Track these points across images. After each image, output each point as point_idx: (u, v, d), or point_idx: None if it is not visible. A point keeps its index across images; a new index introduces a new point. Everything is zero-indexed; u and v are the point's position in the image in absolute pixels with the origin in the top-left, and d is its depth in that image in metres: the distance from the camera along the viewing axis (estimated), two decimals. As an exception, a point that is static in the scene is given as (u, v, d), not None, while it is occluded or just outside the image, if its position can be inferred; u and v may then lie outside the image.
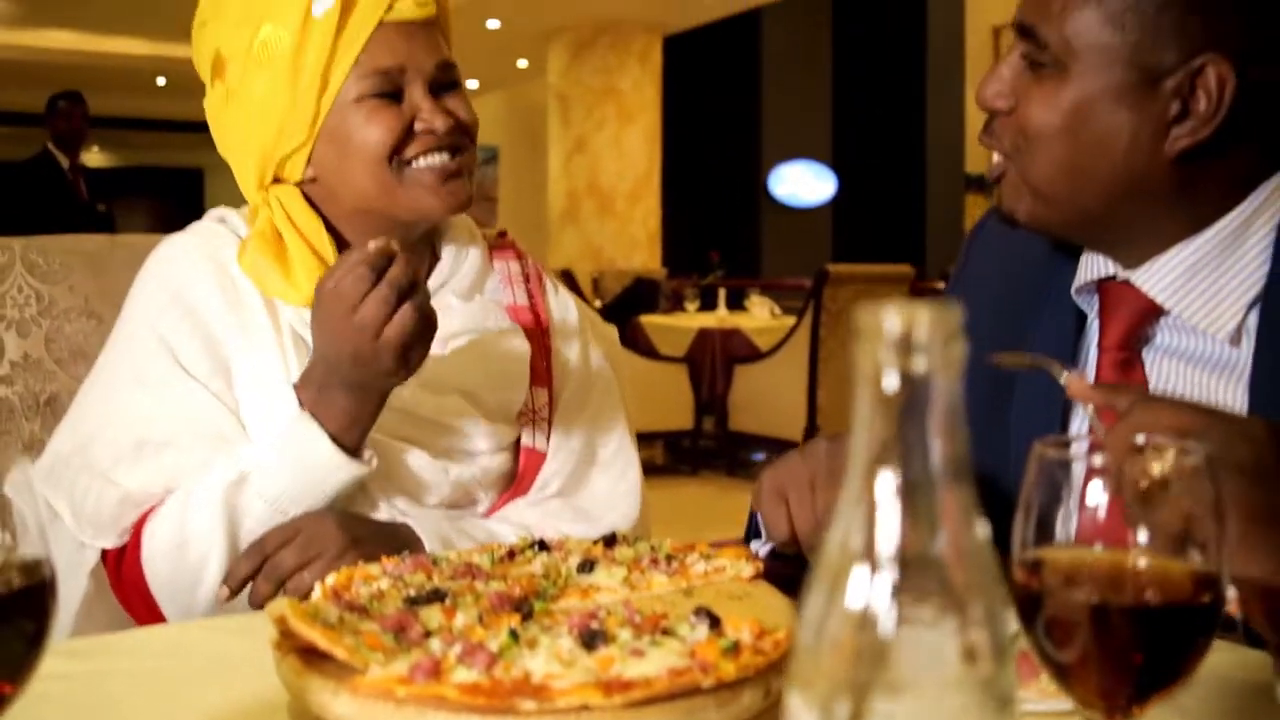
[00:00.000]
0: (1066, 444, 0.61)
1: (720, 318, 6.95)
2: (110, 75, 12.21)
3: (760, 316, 6.98)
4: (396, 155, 1.18)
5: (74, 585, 1.12)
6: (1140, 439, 0.61)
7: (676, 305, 7.77)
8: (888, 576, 0.37)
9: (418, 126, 1.18)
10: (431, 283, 1.25)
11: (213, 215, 1.29)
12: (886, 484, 0.35)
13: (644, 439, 6.18)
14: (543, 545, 0.94)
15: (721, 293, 7.39)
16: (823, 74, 13.67)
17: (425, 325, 1.03)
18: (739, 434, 6.42)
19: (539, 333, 1.30)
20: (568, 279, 6.13)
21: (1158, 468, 0.59)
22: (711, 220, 13.31)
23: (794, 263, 12.35)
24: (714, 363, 6.37)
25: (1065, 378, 0.76)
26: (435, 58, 1.20)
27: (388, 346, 1.01)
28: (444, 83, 1.21)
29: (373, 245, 1.02)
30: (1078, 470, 0.59)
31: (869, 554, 0.36)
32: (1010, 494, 0.61)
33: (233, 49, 1.19)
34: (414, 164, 1.18)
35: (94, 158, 16.64)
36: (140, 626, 1.09)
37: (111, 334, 1.23)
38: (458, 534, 1.14)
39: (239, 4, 1.19)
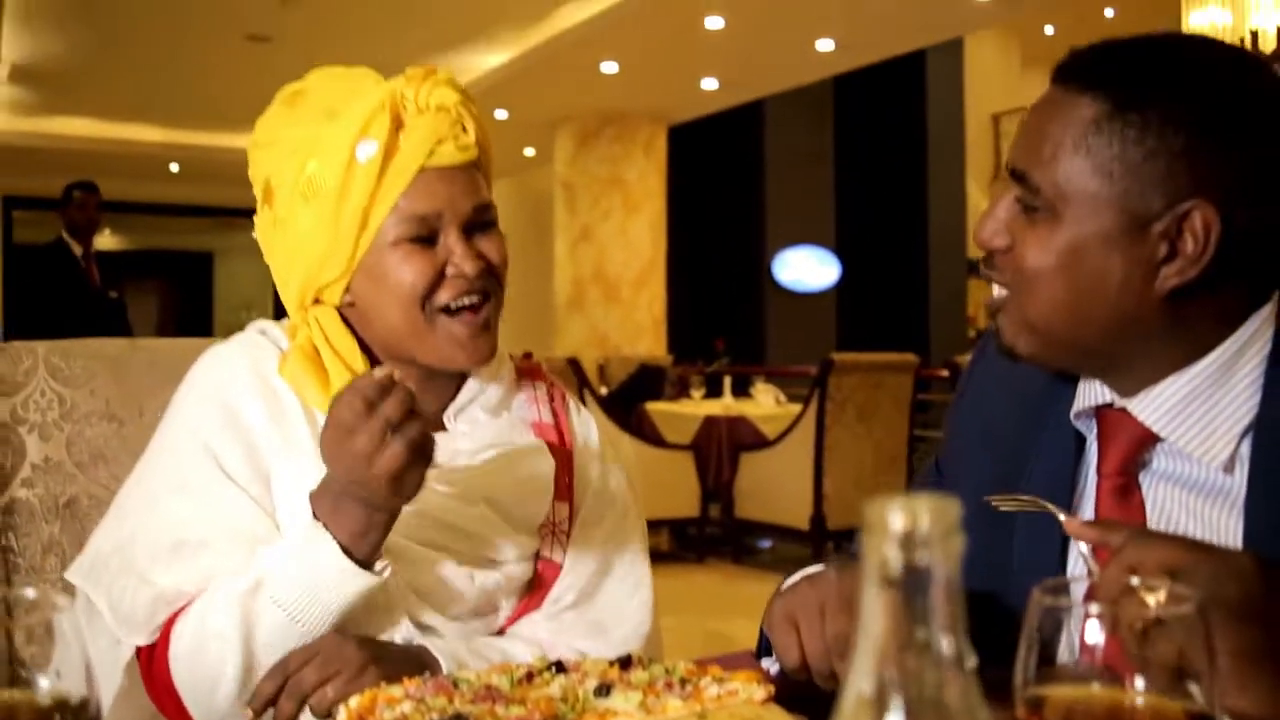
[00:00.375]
0: (1064, 589, 0.64)
1: (726, 405, 6.96)
2: (124, 161, 12.42)
3: (766, 404, 7.00)
4: (428, 299, 1.22)
5: (110, 680, 1.14)
6: (1134, 580, 0.64)
7: (682, 392, 7.80)
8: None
9: (449, 270, 1.22)
10: (461, 399, 1.29)
11: (254, 328, 1.33)
12: (892, 666, 0.39)
13: (650, 526, 6.11)
14: (560, 667, 0.96)
15: (727, 380, 7.42)
16: (825, 160, 13.87)
17: (418, 456, 1.04)
18: (745, 521, 6.41)
19: (562, 450, 1.34)
20: (574, 366, 6.18)
21: (1151, 608, 0.62)
22: (717, 306, 13.41)
23: (799, 347, 12.41)
24: (720, 450, 6.38)
25: (1064, 518, 0.80)
26: (472, 201, 1.24)
27: (379, 476, 1.03)
28: (479, 223, 1.25)
29: (378, 373, 1.05)
30: (1076, 614, 0.62)
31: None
32: (1012, 613, 0.64)
33: (281, 179, 1.23)
34: (444, 313, 1.22)
35: (106, 240, 16.83)
36: None
37: (155, 437, 1.26)
38: (472, 655, 1.16)
39: (290, 137, 1.24)
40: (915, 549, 0.39)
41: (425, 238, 1.22)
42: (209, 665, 1.10)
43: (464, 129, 1.24)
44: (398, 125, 1.20)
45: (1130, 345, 1.01)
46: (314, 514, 1.11)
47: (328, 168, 1.20)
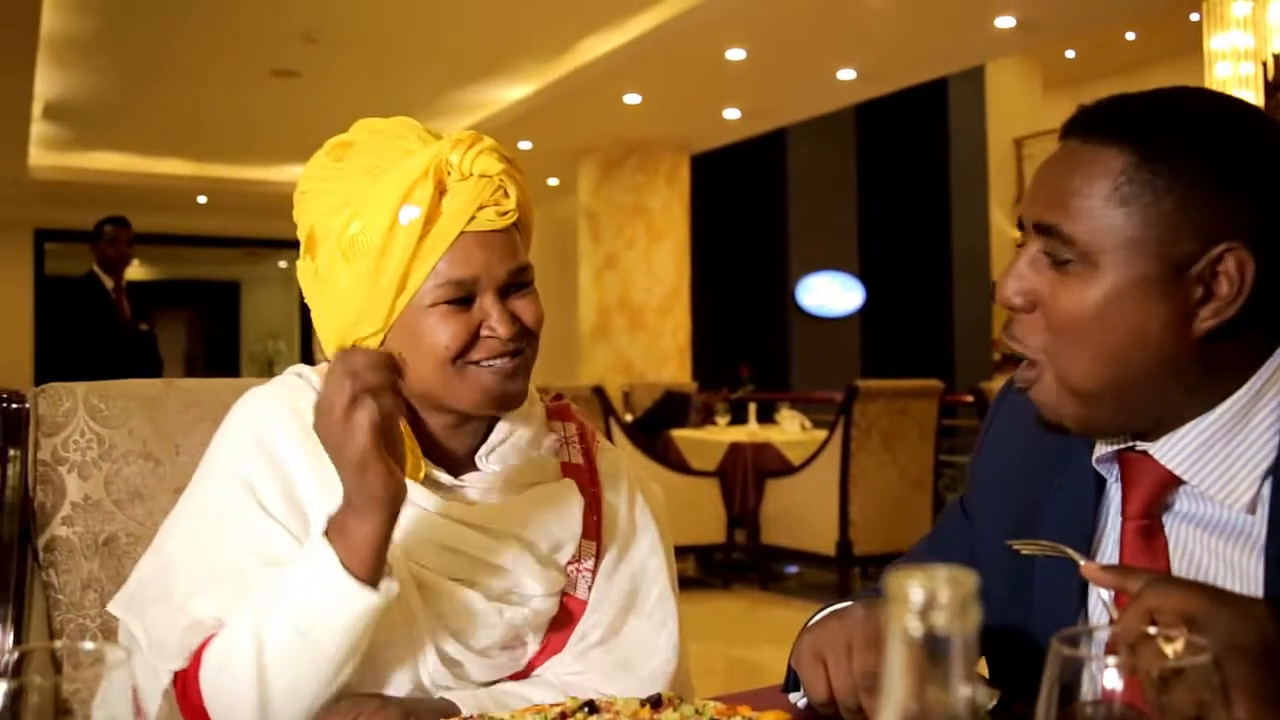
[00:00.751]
0: (1084, 638, 0.66)
1: (751, 432, 6.98)
2: (154, 194, 12.59)
3: (791, 430, 7.01)
4: (461, 357, 1.24)
5: (151, 706, 1.16)
6: (1152, 629, 0.66)
7: (707, 419, 7.82)
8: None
9: (484, 332, 1.24)
10: (493, 439, 1.32)
11: (291, 371, 1.36)
12: (914, 718, 0.41)
13: (676, 552, 6.12)
14: (592, 708, 0.98)
15: (752, 407, 7.44)
16: (848, 186, 13.89)
17: (380, 436, 1.08)
18: (771, 547, 6.41)
19: (591, 488, 1.36)
20: (599, 394, 6.21)
21: (1169, 655, 0.63)
22: (741, 332, 13.42)
23: (824, 373, 12.39)
24: (745, 476, 6.40)
25: (1083, 564, 0.81)
26: (510, 264, 1.25)
27: (357, 427, 1.06)
28: (515, 284, 1.27)
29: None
30: (1095, 663, 0.64)
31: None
32: (1037, 649, 0.65)
33: (324, 232, 1.26)
34: (475, 366, 1.25)
35: (136, 271, 17.00)
36: None
37: (195, 474, 1.29)
38: (496, 705, 1.18)
39: (336, 193, 1.26)
40: (934, 617, 0.41)
41: (461, 299, 1.24)
42: (230, 683, 1.13)
43: (506, 194, 1.26)
44: (441, 190, 1.22)
45: (1166, 393, 1.01)
46: (323, 530, 1.13)
47: (370, 228, 1.22)
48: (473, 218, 1.22)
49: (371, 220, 1.22)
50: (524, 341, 1.27)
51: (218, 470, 1.25)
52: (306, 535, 1.21)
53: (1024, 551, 0.94)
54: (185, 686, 1.16)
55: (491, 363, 1.25)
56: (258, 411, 1.28)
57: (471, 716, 0.96)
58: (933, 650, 0.41)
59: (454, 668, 1.23)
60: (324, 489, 1.23)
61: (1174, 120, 1.00)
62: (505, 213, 1.25)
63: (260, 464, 1.23)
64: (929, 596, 0.40)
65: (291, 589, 1.12)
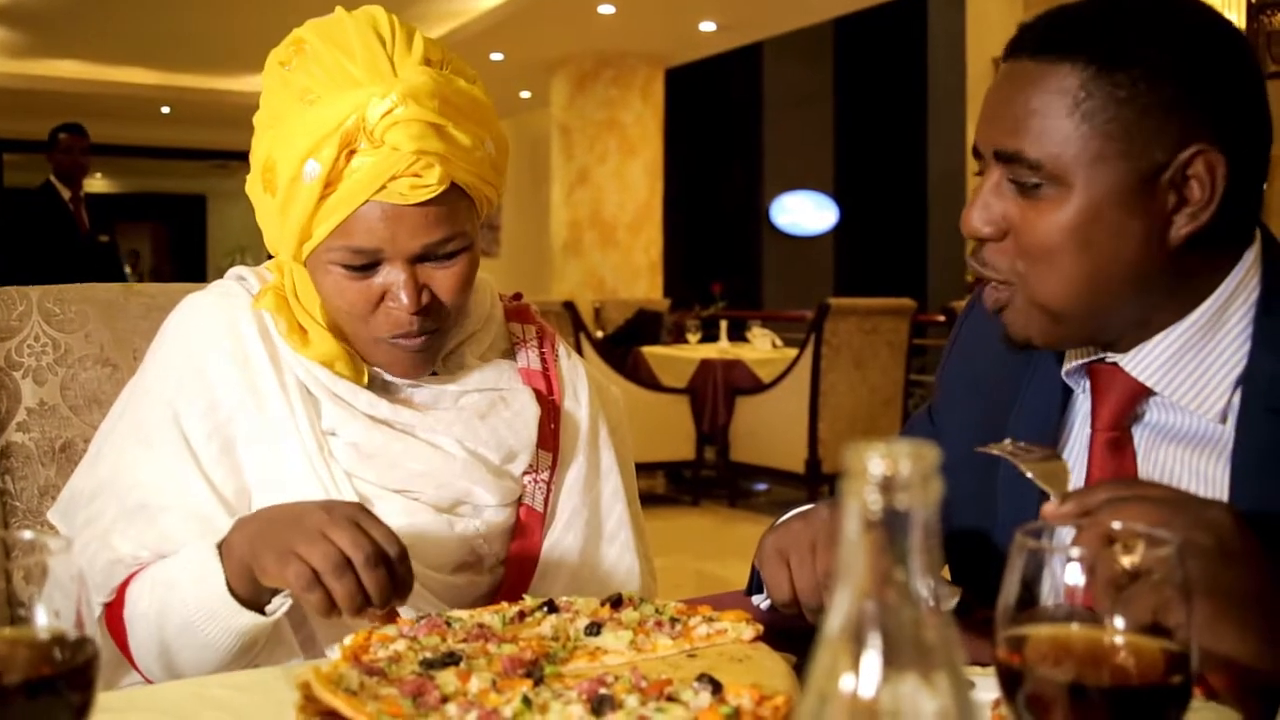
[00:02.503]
0: (1046, 531, 0.65)
1: (722, 349, 6.99)
2: (115, 103, 12.34)
3: (762, 348, 7.03)
4: (364, 323, 1.18)
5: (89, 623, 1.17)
6: (1116, 525, 0.65)
7: (678, 336, 7.82)
8: (876, 665, 0.41)
9: (388, 301, 1.17)
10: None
11: (233, 274, 1.32)
12: (871, 604, 0.40)
13: (646, 469, 6.25)
14: (551, 606, 0.97)
15: (723, 324, 7.44)
16: (824, 104, 13.76)
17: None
18: (740, 464, 6.46)
19: (549, 396, 1.34)
20: (570, 309, 6.19)
21: (1129, 560, 0.63)
22: (714, 249, 13.38)
23: (796, 292, 12.41)
24: (715, 394, 6.42)
25: (1042, 509, 0.82)
26: (424, 239, 1.15)
27: (272, 570, 1.00)
28: (433, 255, 1.17)
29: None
30: (1058, 557, 0.63)
31: (857, 661, 0.41)
32: (1000, 554, 0.65)
33: (257, 144, 1.20)
34: (382, 338, 1.19)
35: (98, 184, 16.76)
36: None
37: (132, 380, 1.27)
38: None
39: (272, 106, 1.18)
40: (895, 493, 0.40)
41: (362, 266, 1.16)
42: (141, 637, 1.13)
43: (430, 166, 1.12)
44: (350, 152, 1.11)
45: (1141, 305, 1.01)
46: (223, 540, 1.09)
47: (282, 168, 1.14)
48: (383, 187, 1.12)
49: (284, 160, 1.14)
50: (434, 317, 1.19)
51: (148, 389, 1.23)
52: (229, 459, 1.20)
53: (993, 452, 0.94)
54: (111, 621, 1.16)
55: (397, 340, 1.19)
56: (193, 328, 1.25)
57: (433, 615, 0.95)
58: (892, 528, 0.40)
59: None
60: (256, 404, 1.21)
61: (1125, 25, 0.97)
62: (422, 187, 1.12)
63: (189, 388, 1.21)
64: (889, 469, 0.39)
65: (182, 585, 1.09)
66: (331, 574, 0.97)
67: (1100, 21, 0.98)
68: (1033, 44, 1.00)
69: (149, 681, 1.16)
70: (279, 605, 1.09)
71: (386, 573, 0.98)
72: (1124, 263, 0.98)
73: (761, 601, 1.17)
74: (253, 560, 1.03)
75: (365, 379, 1.24)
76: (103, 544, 1.17)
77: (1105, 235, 0.97)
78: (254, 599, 1.07)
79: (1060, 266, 0.99)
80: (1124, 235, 0.97)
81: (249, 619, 1.07)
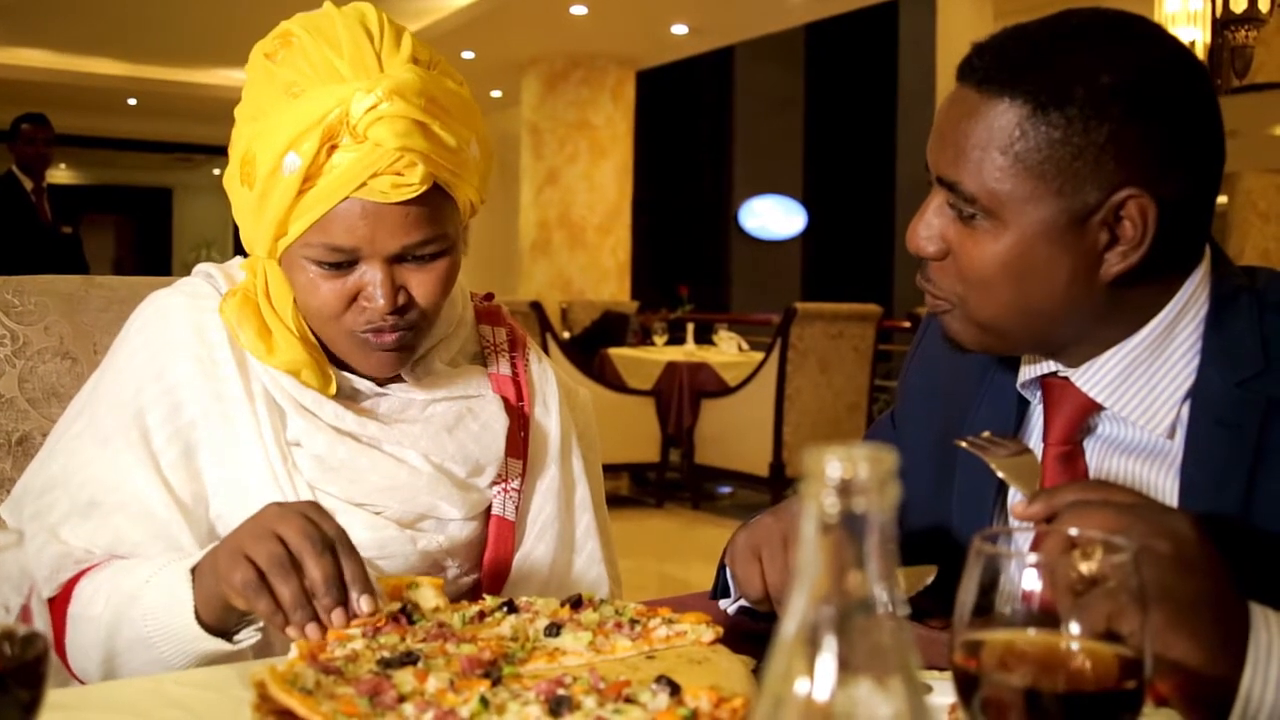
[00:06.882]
0: (1003, 537, 0.66)
1: (688, 352, 7.01)
2: (81, 94, 12.19)
3: (728, 351, 7.05)
4: (337, 320, 1.17)
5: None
6: (1073, 532, 0.66)
7: (645, 338, 7.83)
8: (831, 669, 0.42)
9: (363, 300, 1.16)
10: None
11: (200, 271, 1.30)
12: (827, 606, 0.40)
13: (610, 470, 6.24)
14: (511, 606, 0.97)
15: (690, 326, 7.46)
16: (795, 109, 13.82)
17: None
18: (705, 467, 6.47)
19: (518, 403, 1.32)
20: (536, 309, 6.18)
21: (1087, 566, 0.63)
22: (682, 252, 13.40)
23: (763, 296, 12.46)
24: (681, 396, 6.43)
25: (1011, 508, 0.82)
26: (404, 239, 1.13)
27: (228, 577, 0.97)
28: (412, 255, 1.15)
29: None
30: (1015, 563, 0.64)
31: (813, 665, 0.41)
32: (955, 556, 0.66)
33: (237, 137, 1.18)
34: (356, 334, 1.18)
35: (62, 175, 16.55)
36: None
37: (92, 378, 1.25)
38: None
39: (256, 99, 1.16)
40: (852, 496, 0.40)
41: (338, 264, 1.14)
42: (83, 642, 1.11)
43: (412, 164, 1.11)
44: (331, 146, 1.10)
45: (1077, 329, 1.03)
46: (197, 564, 1.06)
47: (262, 161, 1.12)
48: (364, 184, 1.10)
49: (264, 153, 1.12)
50: (409, 318, 1.17)
51: (110, 389, 1.21)
52: (189, 465, 1.18)
53: (964, 445, 0.95)
54: (51, 615, 1.13)
55: (366, 336, 1.17)
56: (158, 329, 1.23)
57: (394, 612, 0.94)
58: (849, 531, 0.40)
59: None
60: (221, 411, 1.19)
61: (1068, 60, 0.96)
62: (404, 186, 1.10)
63: (152, 390, 1.19)
64: (847, 472, 0.39)
65: (144, 601, 1.06)
66: (276, 572, 0.95)
67: (1044, 54, 0.98)
68: (979, 71, 1.00)
69: (77, 679, 1.13)
70: (247, 639, 1.05)
71: (333, 561, 0.96)
72: (1057, 295, 1.00)
73: (730, 606, 1.17)
74: (212, 569, 1.01)
75: (333, 388, 1.22)
76: (51, 536, 1.15)
77: (1037, 269, 0.99)
78: (220, 624, 1.04)
79: (995, 294, 1.01)
80: (1056, 270, 0.98)
81: (211, 644, 1.04)
